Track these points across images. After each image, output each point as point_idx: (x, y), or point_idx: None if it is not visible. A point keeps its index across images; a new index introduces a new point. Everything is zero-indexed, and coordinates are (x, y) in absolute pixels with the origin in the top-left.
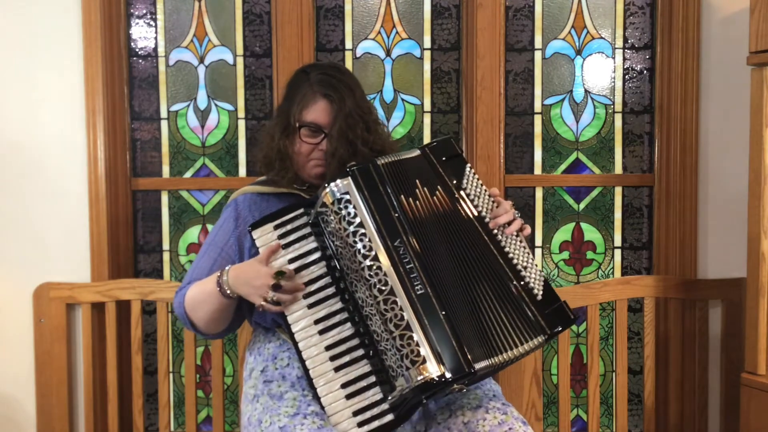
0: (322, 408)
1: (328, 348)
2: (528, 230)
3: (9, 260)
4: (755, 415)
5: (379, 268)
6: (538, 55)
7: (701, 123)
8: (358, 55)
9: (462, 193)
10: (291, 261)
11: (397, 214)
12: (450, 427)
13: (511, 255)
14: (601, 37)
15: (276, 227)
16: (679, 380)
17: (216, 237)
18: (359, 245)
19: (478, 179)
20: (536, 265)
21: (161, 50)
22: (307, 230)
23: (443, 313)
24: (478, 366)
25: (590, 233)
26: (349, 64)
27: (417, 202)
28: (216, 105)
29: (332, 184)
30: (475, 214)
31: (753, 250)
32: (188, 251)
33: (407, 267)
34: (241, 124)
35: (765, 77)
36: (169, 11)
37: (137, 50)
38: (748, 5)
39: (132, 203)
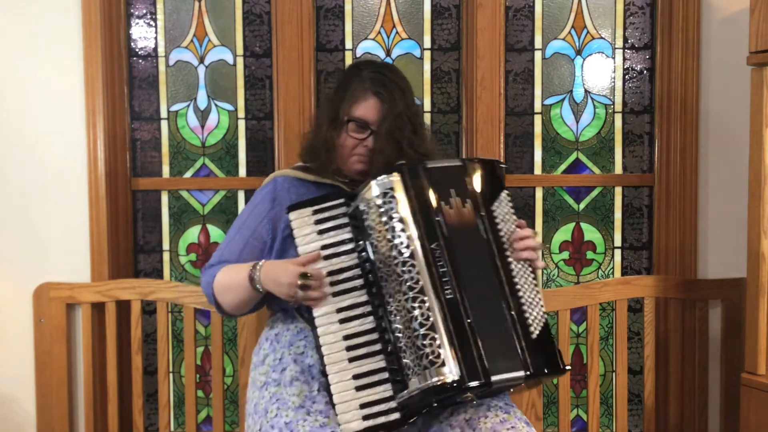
0: (330, 396)
1: (346, 338)
2: (541, 265)
3: (9, 260)
4: (755, 415)
5: (413, 266)
6: (538, 55)
7: (701, 123)
8: (358, 55)
9: (489, 213)
10: (324, 247)
11: (438, 218)
12: (452, 423)
13: (518, 287)
14: (601, 37)
15: (315, 212)
16: (679, 380)
17: (249, 217)
18: (397, 240)
19: (511, 207)
20: (542, 307)
21: (161, 50)
22: (345, 220)
23: (468, 321)
24: (494, 378)
25: (590, 233)
26: (349, 64)
27: (451, 210)
28: (216, 105)
29: (379, 178)
30: (494, 237)
31: (753, 250)
32: (188, 251)
33: (441, 270)
34: (241, 124)
35: (765, 77)
36: (169, 11)
37: (137, 50)
38: (748, 5)
39: (132, 203)
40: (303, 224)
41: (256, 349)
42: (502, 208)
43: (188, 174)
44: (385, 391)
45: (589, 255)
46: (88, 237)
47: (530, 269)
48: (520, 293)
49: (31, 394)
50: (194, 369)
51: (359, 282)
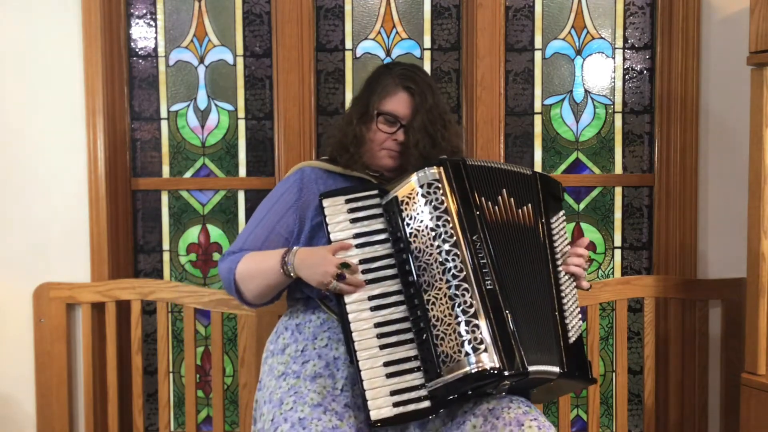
0: (361, 383)
1: (377, 325)
2: (586, 285)
3: (9, 260)
4: (755, 415)
5: (457, 255)
6: (538, 55)
7: (701, 123)
8: (358, 55)
9: (548, 222)
10: (357, 236)
11: (478, 213)
12: (475, 412)
13: (564, 293)
14: (601, 37)
15: (348, 201)
16: (679, 380)
17: (275, 205)
18: (441, 229)
19: (564, 228)
20: (580, 320)
21: (161, 50)
22: (378, 211)
23: (507, 311)
24: (531, 369)
25: (590, 233)
26: (349, 64)
27: (496, 207)
28: (216, 105)
29: (424, 170)
30: (549, 243)
31: (753, 250)
32: (188, 251)
33: (481, 261)
34: (241, 124)
35: (765, 77)
36: (169, 11)
37: (137, 50)
38: (748, 5)
39: (132, 203)
40: (336, 212)
41: (272, 338)
42: (559, 224)
43: (188, 174)
44: (416, 379)
45: (589, 255)
46: (88, 237)
47: (574, 284)
48: (565, 300)
49: (31, 394)
50: (194, 369)
51: (392, 271)
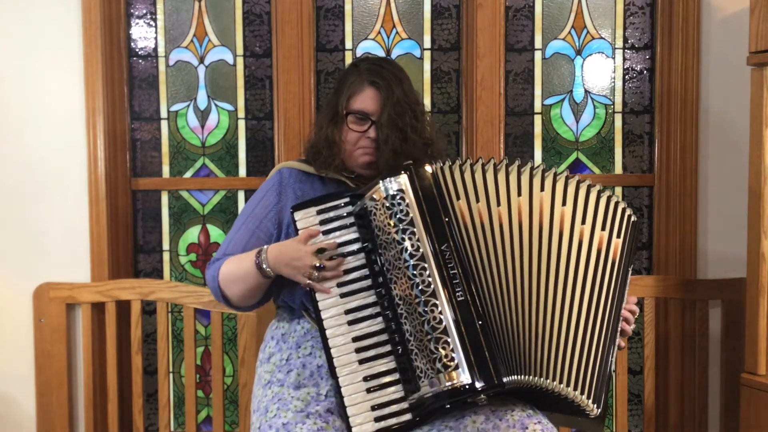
0: (342, 399)
1: (355, 339)
2: (629, 331)
3: (9, 260)
4: (755, 415)
5: (424, 268)
6: (538, 55)
7: (701, 123)
8: (358, 55)
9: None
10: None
11: (447, 219)
12: (476, 410)
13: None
14: (601, 37)
15: (319, 212)
16: (679, 380)
17: (256, 209)
18: (407, 243)
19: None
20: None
21: (161, 50)
22: (350, 220)
23: (479, 323)
24: (507, 380)
25: None
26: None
27: (465, 211)
28: (216, 105)
29: (387, 180)
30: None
31: (753, 250)
32: (188, 251)
33: (451, 272)
34: (241, 124)
35: (765, 77)
36: (169, 11)
37: (137, 50)
38: (748, 5)
39: (132, 203)
40: (308, 224)
41: (262, 346)
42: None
43: (188, 174)
44: (396, 392)
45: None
46: (88, 237)
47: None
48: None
49: (31, 394)
50: (194, 369)
51: (367, 283)
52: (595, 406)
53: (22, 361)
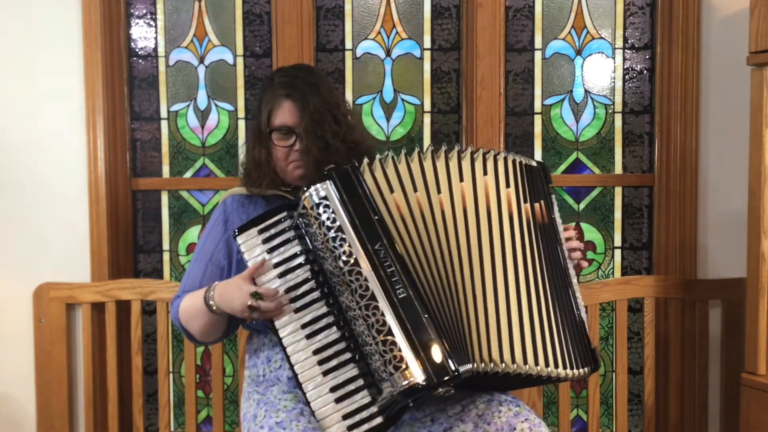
0: (312, 413)
1: (315, 352)
2: (585, 265)
3: (9, 260)
4: (755, 415)
5: (360, 273)
6: (538, 55)
7: (701, 123)
8: (358, 55)
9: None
10: (276, 265)
11: (377, 217)
12: (463, 419)
13: (573, 282)
14: (601, 37)
15: (260, 231)
16: (679, 380)
17: (206, 244)
18: (339, 250)
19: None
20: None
21: (161, 50)
22: (291, 234)
23: (425, 316)
24: (463, 369)
25: (590, 233)
26: (349, 64)
27: (396, 203)
28: (216, 105)
29: (311, 188)
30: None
31: (753, 250)
32: (188, 251)
33: (388, 271)
34: (241, 124)
35: (765, 77)
36: (169, 11)
37: (137, 50)
38: (748, 5)
39: (132, 203)
40: (252, 246)
41: (245, 362)
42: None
43: (188, 174)
44: (363, 398)
45: (589, 255)
46: (88, 237)
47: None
48: (575, 289)
49: (31, 394)
50: (194, 369)
51: (316, 294)
52: (577, 370)
53: (22, 361)
